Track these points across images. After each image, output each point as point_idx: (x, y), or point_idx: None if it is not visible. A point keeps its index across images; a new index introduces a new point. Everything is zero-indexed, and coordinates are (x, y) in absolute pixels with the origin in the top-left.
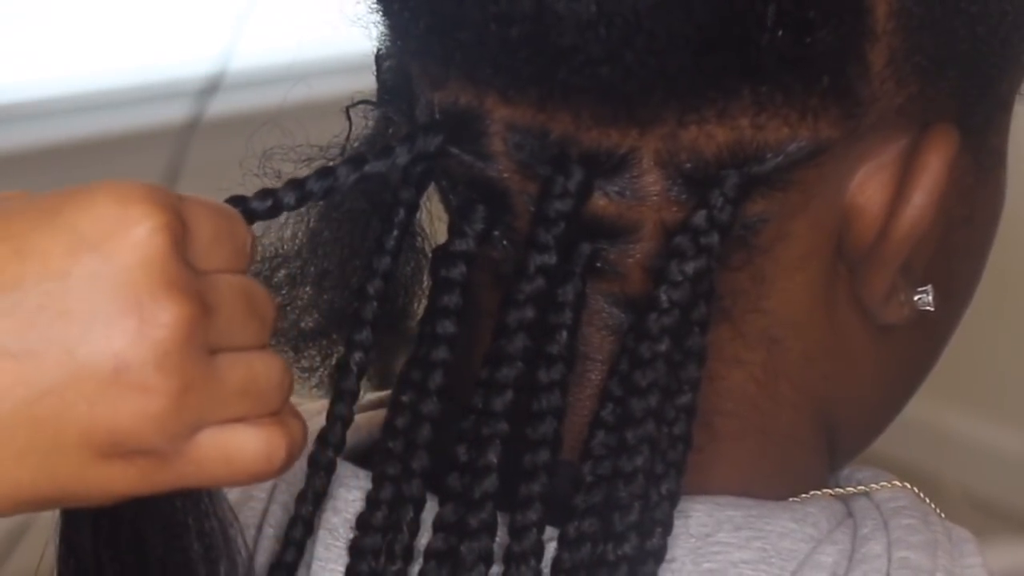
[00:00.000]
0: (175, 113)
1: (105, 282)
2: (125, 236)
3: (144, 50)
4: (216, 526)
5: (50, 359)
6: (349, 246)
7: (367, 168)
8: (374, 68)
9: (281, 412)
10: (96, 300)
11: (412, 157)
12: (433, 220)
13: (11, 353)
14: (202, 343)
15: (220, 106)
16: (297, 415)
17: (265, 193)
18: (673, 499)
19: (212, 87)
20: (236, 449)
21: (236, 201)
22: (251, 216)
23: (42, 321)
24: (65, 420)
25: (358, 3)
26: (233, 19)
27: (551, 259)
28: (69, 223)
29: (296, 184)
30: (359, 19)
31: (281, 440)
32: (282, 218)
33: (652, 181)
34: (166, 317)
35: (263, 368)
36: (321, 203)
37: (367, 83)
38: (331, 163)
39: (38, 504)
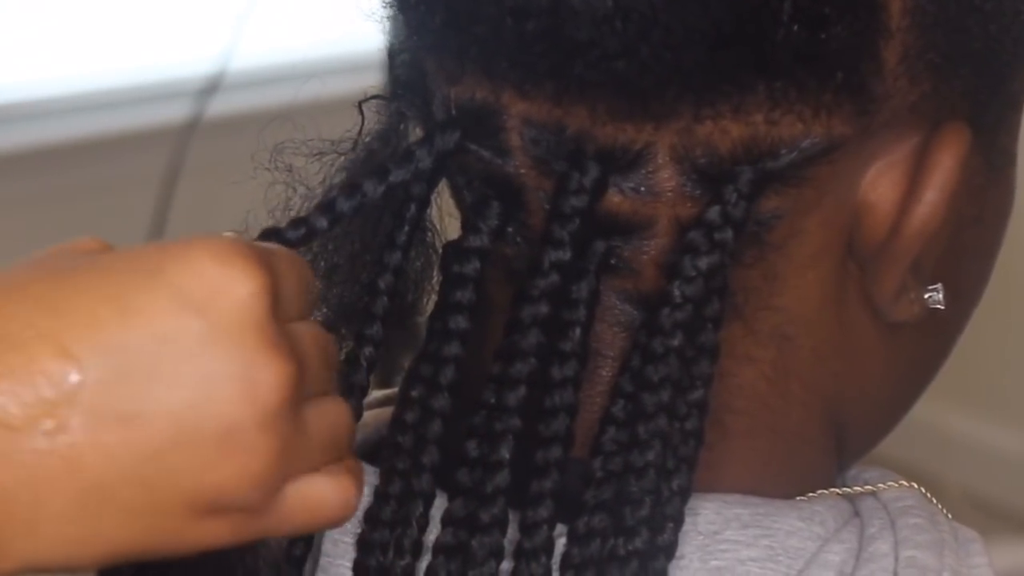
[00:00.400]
0: (175, 113)
1: (210, 345)
2: (228, 297)
3: (144, 50)
4: (259, 560)
5: (156, 423)
6: (359, 240)
7: (392, 178)
8: (386, 63)
9: (347, 456)
10: (202, 363)
11: (433, 159)
12: (443, 215)
13: (117, 417)
14: (298, 399)
15: (220, 106)
16: (356, 457)
17: (298, 222)
18: (684, 495)
19: (212, 87)
20: (318, 499)
21: (271, 234)
22: (287, 244)
23: (148, 385)
24: (169, 483)
25: (361, 1)
26: (233, 18)
27: (566, 255)
28: (172, 283)
29: (327, 207)
30: (368, 15)
31: (353, 485)
32: (292, 213)
33: (667, 177)
34: (271, 379)
35: (337, 415)
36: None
37: (368, 82)
38: (342, 156)
39: (129, 557)
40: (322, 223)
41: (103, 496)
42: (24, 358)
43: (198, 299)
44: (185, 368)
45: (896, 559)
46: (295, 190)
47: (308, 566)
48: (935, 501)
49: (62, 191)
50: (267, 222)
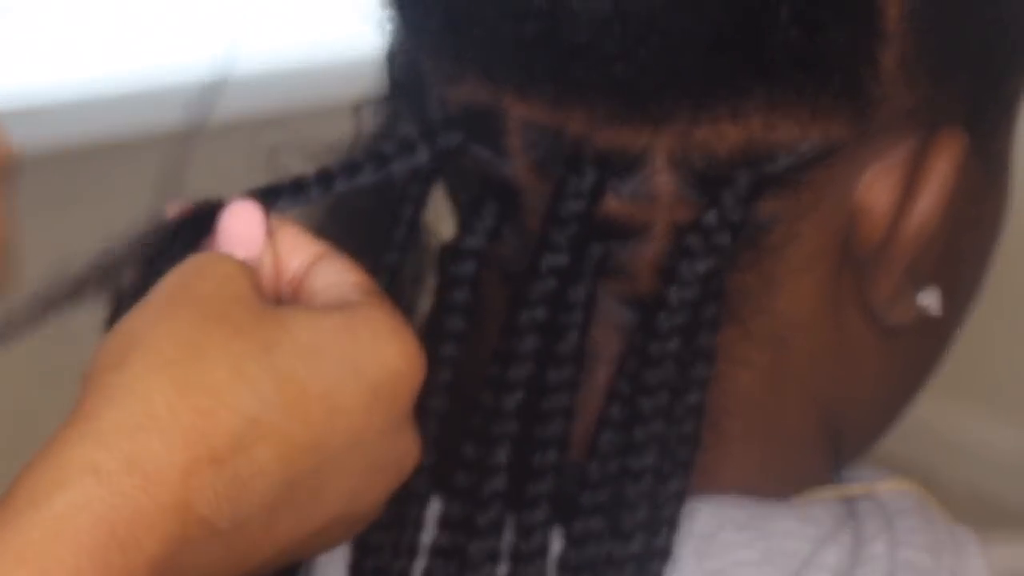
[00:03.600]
0: (177, 116)
1: (386, 438)
2: (407, 392)
3: (145, 52)
4: None
5: (324, 515)
6: (356, 242)
7: (392, 167)
8: (383, 65)
9: None
10: (376, 455)
11: (434, 154)
12: (439, 216)
13: (296, 510)
14: None
15: (222, 109)
16: None
17: (297, 186)
18: (681, 498)
19: (214, 89)
20: None
21: (266, 194)
22: (278, 209)
23: (331, 479)
24: (318, 547)
25: (360, 3)
26: (234, 22)
27: (563, 259)
28: (370, 380)
29: (324, 178)
30: (365, 18)
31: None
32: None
33: (664, 181)
34: (412, 464)
35: None
36: (327, 199)
37: (364, 87)
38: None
39: None
40: (314, 190)
41: (259, 568)
42: (242, 454)
43: (386, 396)
44: (363, 461)
45: (892, 560)
46: None
47: (303, 570)
48: (933, 501)
49: (62, 194)
50: None
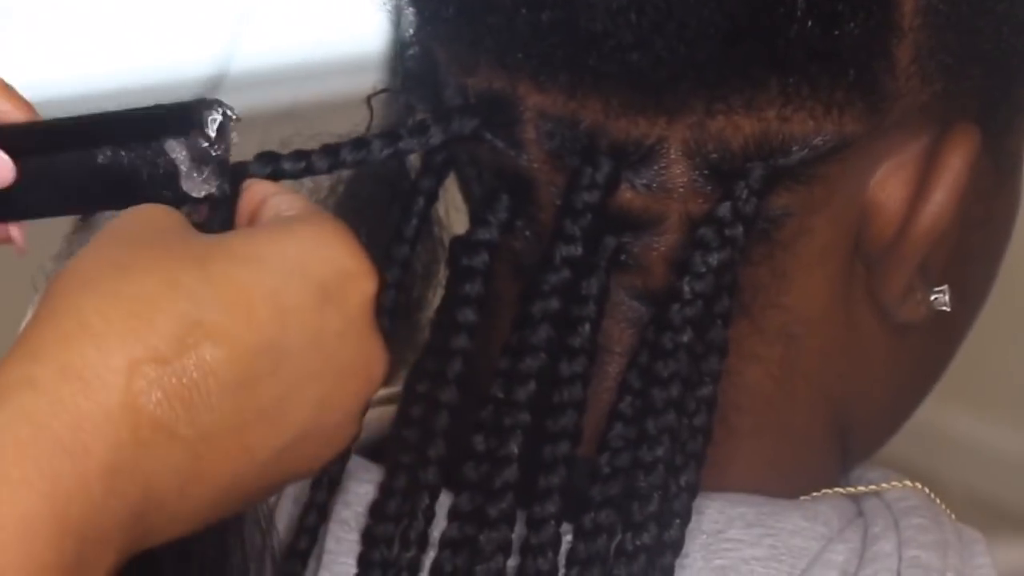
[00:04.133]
0: None
1: (345, 339)
2: (359, 293)
3: (145, 50)
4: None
5: (296, 419)
6: (366, 234)
7: (401, 144)
8: (394, 56)
9: None
10: (339, 359)
11: (446, 138)
12: (449, 210)
13: (262, 416)
14: None
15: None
16: None
17: (299, 155)
18: (692, 491)
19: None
20: None
21: (269, 158)
22: (281, 175)
23: (294, 382)
24: (290, 471)
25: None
26: (233, 19)
27: (577, 251)
28: (316, 278)
29: (330, 150)
30: (373, 9)
31: None
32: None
33: (679, 173)
34: (383, 370)
35: None
36: (339, 192)
37: (371, 82)
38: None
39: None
40: (322, 163)
41: (237, 487)
42: (186, 354)
43: (337, 295)
44: (325, 365)
45: (900, 559)
46: (302, 184)
47: (311, 564)
48: (938, 501)
49: None
50: None
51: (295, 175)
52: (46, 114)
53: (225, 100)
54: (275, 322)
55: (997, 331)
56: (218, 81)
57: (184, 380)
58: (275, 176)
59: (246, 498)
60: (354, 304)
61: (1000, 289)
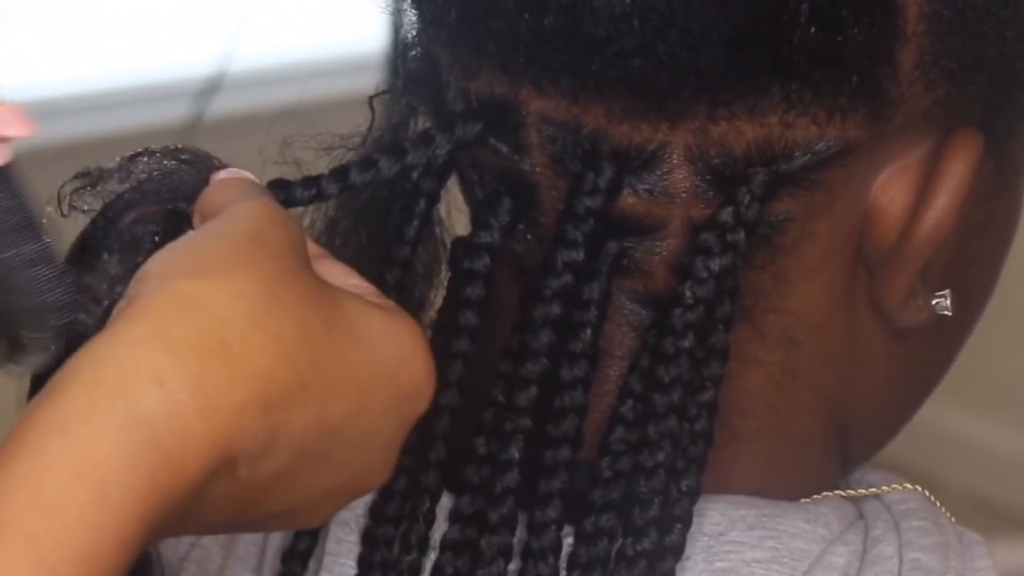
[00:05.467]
0: (176, 113)
1: (378, 444)
2: (414, 413)
3: (145, 50)
4: None
5: (306, 496)
6: (368, 235)
7: (409, 159)
8: (396, 57)
9: None
10: (365, 461)
11: (451, 147)
12: (451, 211)
13: (290, 482)
14: None
15: (228, 104)
16: None
17: (309, 181)
18: (693, 495)
19: (213, 87)
20: None
21: (280, 187)
22: (292, 202)
23: (329, 471)
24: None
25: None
26: (234, 19)
27: (578, 256)
28: (399, 387)
29: (339, 174)
30: (375, 11)
31: None
32: (300, 208)
33: (681, 178)
34: (380, 484)
35: None
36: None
37: (372, 82)
38: (351, 152)
39: None
40: (332, 188)
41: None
42: (286, 411)
43: (403, 408)
44: (352, 460)
45: (900, 561)
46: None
47: (312, 565)
48: (938, 503)
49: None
50: None
51: (306, 202)
52: (46, 114)
53: (225, 100)
54: (355, 411)
55: (997, 331)
56: (218, 81)
57: (271, 436)
58: (288, 204)
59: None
60: (406, 420)
61: (1000, 290)
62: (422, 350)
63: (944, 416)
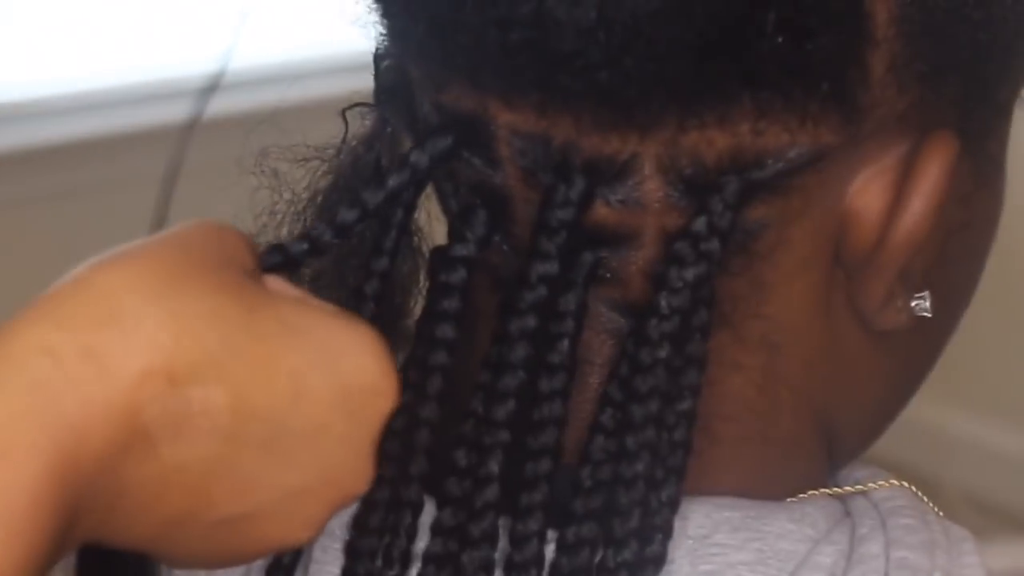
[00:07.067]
0: (175, 113)
1: (343, 447)
2: (376, 411)
3: (144, 50)
4: None
5: (267, 496)
6: (345, 247)
7: (390, 183)
8: (372, 68)
9: None
10: (328, 463)
11: (430, 164)
12: (431, 220)
13: (240, 478)
14: None
15: (219, 106)
16: None
17: (303, 237)
18: (673, 505)
19: (212, 87)
20: None
21: (276, 250)
22: (292, 264)
23: (283, 467)
24: (242, 541)
25: (356, 3)
26: (233, 19)
27: (553, 268)
28: (344, 378)
29: (329, 220)
30: (357, 19)
31: None
32: (278, 217)
33: (653, 188)
34: (360, 490)
35: None
36: (317, 203)
37: (364, 83)
38: (328, 161)
39: None
40: (327, 236)
41: (183, 529)
42: (196, 386)
43: (355, 404)
44: (312, 461)
45: (887, 560)
46: (280, 195)
47: (298, 573)
48: (928, 500)
49: (57, 192)
50: (253, 227)
51: (304, 257)
52: (45, 114)
53: (225, 100)
54: (287, 398)
55: (997, 331)
56: (218, 81)
57: (182, 408)
58: (287, 267)
59: (187, 549)
60: (366, 418)
61: (1000, 290)
62: (371, 344)
63: (944, 416)
